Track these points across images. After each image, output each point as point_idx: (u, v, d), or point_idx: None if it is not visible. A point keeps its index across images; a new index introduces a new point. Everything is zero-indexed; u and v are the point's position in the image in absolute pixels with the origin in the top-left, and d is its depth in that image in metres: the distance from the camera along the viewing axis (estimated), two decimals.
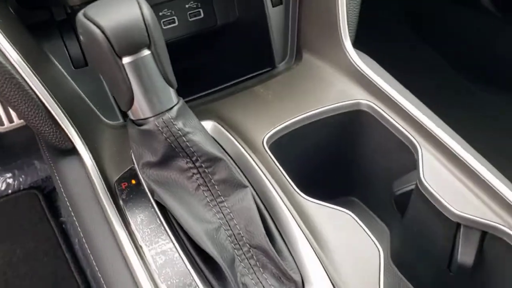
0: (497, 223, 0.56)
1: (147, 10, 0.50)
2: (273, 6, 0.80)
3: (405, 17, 1.84)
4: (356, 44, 0.78)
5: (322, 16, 0.76)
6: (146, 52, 0.51)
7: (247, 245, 0.53)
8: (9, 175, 1.57)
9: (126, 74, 0.50)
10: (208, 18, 0.85)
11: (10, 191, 1.55)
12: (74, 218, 0.60)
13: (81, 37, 0.51)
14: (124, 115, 0.72)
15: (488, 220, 0.57)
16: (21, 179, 1.59)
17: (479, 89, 1.66)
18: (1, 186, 1.56)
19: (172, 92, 0.54)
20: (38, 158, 1.60)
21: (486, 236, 0.58)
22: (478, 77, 1.68)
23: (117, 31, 0.48)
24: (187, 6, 0.83)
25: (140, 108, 0.53)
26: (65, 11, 0.71)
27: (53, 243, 1.40)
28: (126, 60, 0.50)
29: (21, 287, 1.30)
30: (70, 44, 0.70)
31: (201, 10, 0.84)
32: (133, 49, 0.50)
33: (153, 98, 0.53)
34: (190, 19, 0.84)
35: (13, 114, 1.39)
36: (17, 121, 1.42)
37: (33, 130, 0.72)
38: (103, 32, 0.48)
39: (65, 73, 0.69)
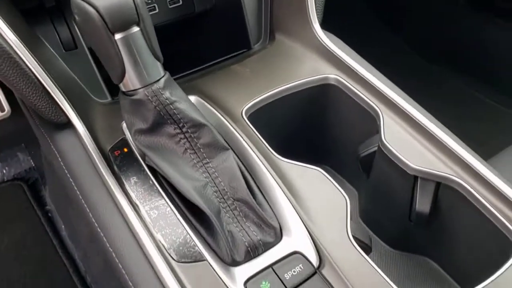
0: (449, 174, 0.65)
1: None
2: None
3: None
4: (324, 25, 0.85)
5: (292, 0, 0.83)
6: (135, 29, 0.57)
7: (231, 198, 0.60)
8: None
9: (118, 49, 0.57)
10: (187, 5, 0.91)
11: None
12: (71, 182, 0.65)
13: (76, 17, 0.57)
14: (112, 94, 0.78)
15: (441, 172, 0.65)
16: (4, 171, 1.62)
17: (437, 67, 1.78)
18: None
19: (159, 66, 0.61)
20: (21, 151, 1.64)
21: (440, 187, 0.66)
22: (436, 57, 1.79)
23: (110, 10, 0.54)
24: None
25: (131, 80, 0.60)
26: None
27: (39, 231, 1.44)
28: (118, 36, 0.56)
29: (11, 273, 1.34)
30: (60, 29, 0.76)
31: None
32: (124, 26, 0.56)
33: (143, 70, 0.59)
34: (170, 6, 0.90)
35: None
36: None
37: (28, 109, 0.77)
38: (97, 11, 0.54)
39: (56, 55, 0.75)
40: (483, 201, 0.61)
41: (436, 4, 1.79)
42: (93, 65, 0.76)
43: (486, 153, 0.82)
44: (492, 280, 0.54)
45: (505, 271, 0.55)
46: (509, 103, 1.61)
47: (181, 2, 0.90)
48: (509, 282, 0.55)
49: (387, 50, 1.78)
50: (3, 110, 1.51)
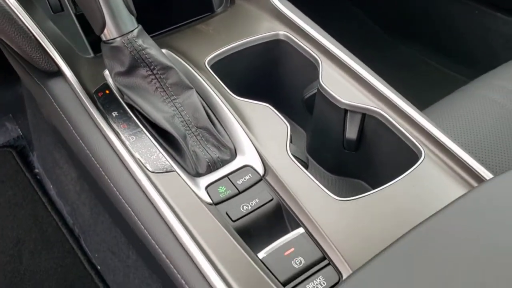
0: (372, 106, 0.80)
1: None
2: None
3: None
4: None
5: None
6: None
7: (195, 126, 0.75)
8: None
9: (99, 3, 0.70)
10: None
11: None
12: (64, 118, 0.79)
13: None
14: (94, 51, 0.91)
15: (365, 105, 0.80)
16: None
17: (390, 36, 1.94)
18: None
19: (133, 19, 0.74)
20: (9, 120, 1.75)
21: (365, 117, 0.81)
22: (395, 29, 1.96)
23: None
24: None
25: (110, 30, 0.73)
26: None
27: (29, 191, 1.57)
28: None
29: (5, 227, 1.47)
30: None
31: None
32: None
33: (120, 22, 0.73)
34: None
35: None
36: None
37: (22, 64, 0.90)
38: None
39: (46, 16, 0.88)
40: (396, 124, 0.77)
41: None
42: (78, 25, 0.89)
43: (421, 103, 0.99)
44: (398, 180, 0.70)
45: (407, 174, 0.71)
46: (454, 67, 1.80)
47: None
48: (414, 179, 0.71)
49: (346, 18, 1.94)
50: None
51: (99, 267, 1.34)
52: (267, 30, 0.93)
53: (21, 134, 1.72)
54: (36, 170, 1.63)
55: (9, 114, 1.75)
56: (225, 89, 0.82)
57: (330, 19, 1.78)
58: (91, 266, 1.35)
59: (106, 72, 0.82)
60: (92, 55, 0.90)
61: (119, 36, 0.73)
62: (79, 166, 1.16)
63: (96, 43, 0.86)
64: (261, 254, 0.63)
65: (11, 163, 1.66)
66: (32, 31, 0.79)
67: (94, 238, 1.31)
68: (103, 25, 0.72)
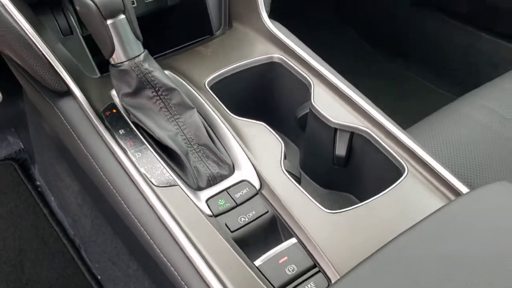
0: (359, 125, 0.87)
1: None
2: None
3: None
4: (278, 11, 1.06)
5: None
6: (122, 16, 0.77)
7: (196, 144, 0.81)
8: None
9: (110, 31, 0.76)
10: (160, 0, 1.11)
11: None
12: (74, 135, 0.85)
13: (78, 8, 0.77)
14: (101, 71, 0.97)
15: (353, 124, 0.87)
16: None
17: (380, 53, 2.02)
18: None
19: (139, 44, 0.81)
20: (11, 134, 1.80)
21: (353, 135, 0.88)
22: (384, 46, 2.04)
23: (104, 2, 0.74)
24: None
25: (118, 55, 0.79)
26: None
27: (31, 202, 1.62)
28: (109, 21, 0.76)
29: (7, 238, 1.52)
30: (58, 18, 0.95)
31: None
32: (114, 14, 0.76)
33: (127, 48, 0.79)
34: (146, 1, 1.09)
35: None
36: None
37: (33, 84, 0.96)
38: (95, 4, 0.74)
39: (56, 39, 0.94)
40: (381, 142, 0.83)
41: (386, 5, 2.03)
42: (86, 48, 0.96)
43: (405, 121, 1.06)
44: (382, 194, 0.77)
45: (391, 189, 0.78)
46: (440, 83, 1.88)
47: None
48: (398, 193, 0.77)
49: (337, 37, 2.02)
50: None
51: (99, 277, 1.39)
52: (263, 53, 1.00)
53: (23, 147, 1.77)
54: (38, 183, 1.68)
55: (11, 128, 1.80)
56: (224, 108, 0.89)
57: (320, 36, 1.87)
58: (91, 276, 1.39)
59: (113, 92, 0.89)
60: (98, 75, 0.96)
61: (126, 60, 0.79)
62: (83, 179, 1.21)
63: (102, 64, 0.93)
64: (258, 262, 0.69)
65: (12, 175, 1.71)
66: (45, 53, 0.85)
67: (95, 249, 1.36)
68: (112, 50, 0.79)
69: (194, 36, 1.07)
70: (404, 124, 1.03)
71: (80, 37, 0.96)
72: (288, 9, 1.32)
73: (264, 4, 1.03)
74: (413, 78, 1.93)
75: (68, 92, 0.88)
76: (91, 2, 0.74)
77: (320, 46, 1.07)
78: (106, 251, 1.32)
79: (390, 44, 2.05)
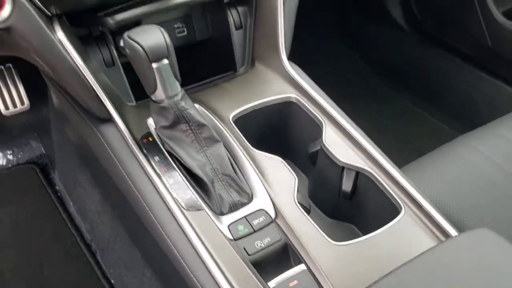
0: (364, 165, 0.98)
1: (167, 36, 0.88)
2: (236, 29, 1.19)
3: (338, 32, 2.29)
4: (293, 55, 1.18)
5: (267, 38, 1.15)
6: (166, 61, 0.88)
7: (221, 173, 0.92)
8: (9, 152, 1.86)
9: (154, 73, 0.88)
10: (190, 35, 1.23)
11: (10, 165, 1.83)
12: (114, 158, 0.96)
13: (127, 50, 0.88)
14: (136, 99, 1.08)
15: (359, 164, 0.99)
16: (19, 156, 1.87)
17: (388, 88, 2.12)
18: (3, 161, 1.85)
19: (178, 84, 0.93)
20: (33, 139, 1.91)
21: (358, 174, 0.99)
22: (392, 80, 2.15)
23: (151, 48, 0.86)
24: (175, 26, 1.21)
25: (160, 93, 0.91)
26: (99, 30, 1.08)
27: (51, 206, 1.71)
28: (154, 65, 0.87)
29: (27, 241, 1.61)
30: (103, 50, 1.07)
31: (185, 29, 1.22)
32: (159, 59, 0.87)
33: (168, 88, 0.90)
34: (178, 35, 1.21)
35: (13, 101, 1.71)
36: (19, 107, 1.74)
37: (76, 109, 1.07)
38: (143, 48, 0.86)
39: (100, 69, 1.05)
40: (382, 182, 0.95)
41: (390, 32, 2.14)
42: (125, 78, 1.07)
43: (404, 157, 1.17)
44: (381, 230, 0.88)
45: (389, 226, 0.89)
46: (443, 118, 1.98)
47: (186, 33, 1.22)
48: (394, 231, 0.88)
49: (349, 74, 2.14)
50: (23, 104, 1.82)
51: (113, 281, 1.49)
52: (281, 92, 1.11)
53: (44, 152, 1.87)
54: (57, 187, 1.78)
55: (34, 133, 1.90)
56: (245, 142, 1.00)
57: (329, 67, 1.98)
58: (106, 280, 1.49)
59: (149, 121, 1.00)
60: (134, 103, 1.08)
61: (166, 98, 0.91)
62: (105, 190, 1.32)
63: (138, 93, 1.04)
64: (271, 284, 0.80)
65: (34, 178, 1.80)
66: (91, 83, 0.97)
67: (111, 255, 1.47)
68: (155, 89, 0.90)
69: (219, 71, 1.19)
70: (405, 160, 1.15)
71: (121, 69, 1.07)
72: (304, 48, 1.44)
73: (285, 47, 1.15)
74: (418, 112, 2.04)
75: (110, 119, 1.00)
76: (140, 48, 0.86)
77: (330, 78, 1.17)
78: (121, 257, 1.42)
79: (395, 75, 2.16)
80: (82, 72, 0.95)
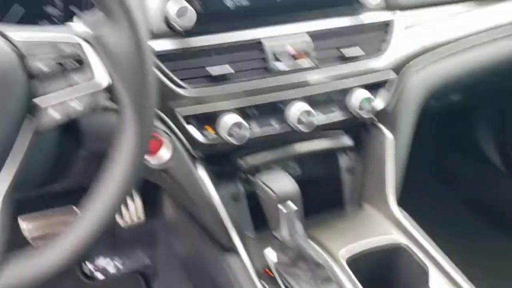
0: None
1: (296, 185, 1.02)
2: (346, 173, 1.32)
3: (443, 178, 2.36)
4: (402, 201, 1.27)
5: (376, 184, 1.27)
6: (294, 207, 1.01)
7: None
8: (120, 261, 2.02)
9: (283, 217, 1.01)
10: (304, 175, 1.35)
11: (119, 274, 1.98)
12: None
13: (259, 194, 1.03)
14: (256, 231, 1.20)
15: None
16: (128, 265, 2.02)
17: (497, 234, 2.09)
18: (113, 269, 2.00)
19: (301, 226, 1.04)
20: (140, 250, 2.06)
21: None
22: (496, 223, 2.12)
23: (282, 195, 1.00)
24: (290, 165, 1.36)
25: (285, 233, 1.02)
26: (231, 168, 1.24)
27: None
28: (284, 209, 1.00)
29: None
30: (232, 186, 1.19)
31: (299, 169, 1.36)
32: (288, 204, 1.01)
33: (293, 229, 1.02)
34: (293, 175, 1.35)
35: (131, 215, 1.88)
36: (136, 221, 1.93)
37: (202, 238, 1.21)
38: (276, 194, 1.00)
39: (229, 201, 1.18)
40: None
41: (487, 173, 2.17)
42: (248, 212, 1.21)
43: None
44: None
45: None
46: None
47: (300, 172, 1.36)
48: None
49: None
50: (139, 218, 2.01)
51: None
52: (386, 233, 1.19)
53: (149, 263, 2.02)
54: None
55: (140, 243, 2.06)
56: (357, 284, 1.07)
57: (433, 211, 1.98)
58: None
59: (267, 254, 1.11)
60: (253, 234, 1.20)
61: (289, 237, 1.02)
62: None
63: (258, 225, 1.16)
64: None
65: None
66: (222, 216, 1.11)
67: None
68: (280, 229, 1.02)
69: (329, 207, 1.29)
70: None
71: (245, 204, 1.22)
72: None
73: (395, 194, 1.24)
74: None
75: (233, 248, 1.12)
76: (273, 193, 1.00)
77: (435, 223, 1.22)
78: None
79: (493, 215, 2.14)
80: (215, 205, 1.10)
